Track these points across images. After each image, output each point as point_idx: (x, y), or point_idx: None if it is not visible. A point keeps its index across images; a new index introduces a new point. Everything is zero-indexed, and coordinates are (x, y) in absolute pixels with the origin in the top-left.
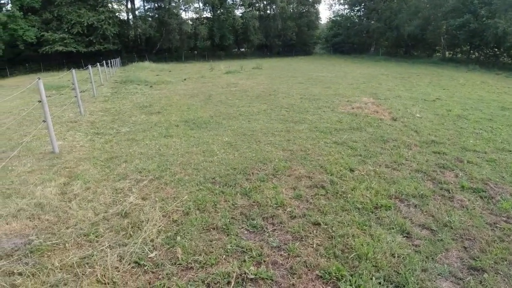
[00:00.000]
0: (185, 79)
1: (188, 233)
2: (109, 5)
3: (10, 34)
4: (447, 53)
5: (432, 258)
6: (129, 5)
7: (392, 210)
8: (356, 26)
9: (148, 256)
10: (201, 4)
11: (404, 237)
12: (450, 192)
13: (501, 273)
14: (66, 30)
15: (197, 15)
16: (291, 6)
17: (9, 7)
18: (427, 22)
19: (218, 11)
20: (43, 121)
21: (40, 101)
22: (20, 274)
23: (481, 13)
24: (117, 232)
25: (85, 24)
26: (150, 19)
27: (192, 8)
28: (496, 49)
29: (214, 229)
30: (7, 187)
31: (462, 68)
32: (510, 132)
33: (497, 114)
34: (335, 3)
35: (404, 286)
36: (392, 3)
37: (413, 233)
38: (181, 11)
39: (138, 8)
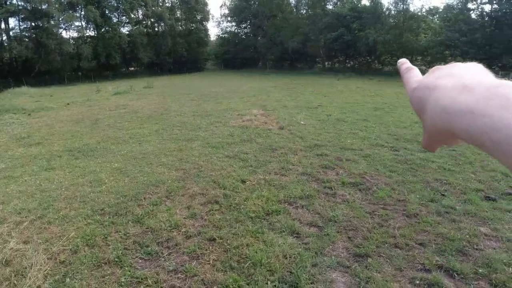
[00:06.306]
0: (68, 104)
1: (78, 272)
2: None
3: None
4: (326, 63)
5: (321, 253)
6: (3, 25)
7: (282, 214)
8: (244, 42)
9: None
10: (83, 23)
11: (294, 237)
12: (332, 189)
13: (383, 255)
14: None
15: (80, 34)
16: (180, 23)
17: None
18: (307, 37)
19: (103, 29)
20: None
21: None
22: None
23: (353, 26)
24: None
25: None
26: (26, 39)
27: (73, 26)
28: (368, 57)
29: (106, 263)
30: None
31: (340, 76)
32: (382, 129)
33: (371, 115)
34: (222, 21)
35: (297, 284)
36: (276, 20)
37: (302, 232)
38: (61, 30)
39: (13, 28)
